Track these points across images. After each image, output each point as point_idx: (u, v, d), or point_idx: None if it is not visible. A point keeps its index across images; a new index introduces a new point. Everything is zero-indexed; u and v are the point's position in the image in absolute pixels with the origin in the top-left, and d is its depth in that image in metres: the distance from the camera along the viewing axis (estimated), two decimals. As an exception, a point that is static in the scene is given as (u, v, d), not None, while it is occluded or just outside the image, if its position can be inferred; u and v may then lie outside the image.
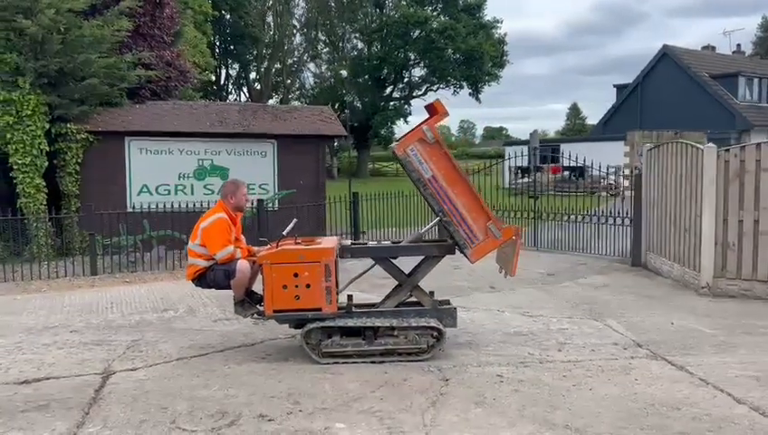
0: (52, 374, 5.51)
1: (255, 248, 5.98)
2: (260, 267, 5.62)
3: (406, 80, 50.75)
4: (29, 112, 10.71)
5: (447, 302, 6.29)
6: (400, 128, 49.52)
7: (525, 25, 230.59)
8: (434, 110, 5.80)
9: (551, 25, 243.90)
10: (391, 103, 49.56)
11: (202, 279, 5.79)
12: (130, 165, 12.01)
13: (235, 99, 48.13)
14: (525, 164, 21.85)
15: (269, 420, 4.45)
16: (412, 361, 5.67)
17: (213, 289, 6.02)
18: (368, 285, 8.56)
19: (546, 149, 35.05)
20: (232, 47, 45.28)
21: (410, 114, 50.29)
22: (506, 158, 25.16)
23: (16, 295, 8.82)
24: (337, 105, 52.30)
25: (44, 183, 11.18)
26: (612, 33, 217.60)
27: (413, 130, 5.90)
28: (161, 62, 13.72)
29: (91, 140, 11.59)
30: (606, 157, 22.69)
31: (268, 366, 5.64)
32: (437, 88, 49.25)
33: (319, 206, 12.45)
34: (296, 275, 5.56)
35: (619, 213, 10.97)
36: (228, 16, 42.94)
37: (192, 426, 4.39)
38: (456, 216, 5.73)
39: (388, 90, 50.09)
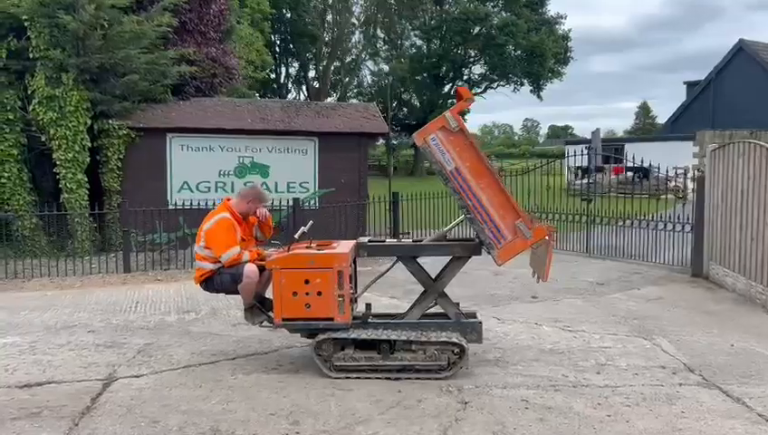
0: (55, 378, 5.31)
1: (268, 251, 5.62)
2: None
3: (465, 77, 49.91)
4: (71, 108, 10.76)
5: (474, 314, 5.74)
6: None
7: (595, 21, 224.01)
8: (459, 96, 5.31)
9: (622, 21, 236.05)
10: (449, 101, 48.79)
11: (209, 283, 5.48)
12: (171, 161, 11.93)
13: (295, 97, 48.43)
14: (586, 164, 20.92)
15: (260, 443, 4.08)
16: (431, 379, 5.19)
17: (223, 294, 5.70)
18: (401, 292, 8.15)
19: (609, 149, 33.73)
20: (291, 46, 45.52)
21: (468, 111, 49.40)
22: (566, 157, 24.19)
23: (48, 291, 8.81)
24: (395, 103, 52.11)
25: (86, 179, 11.22)
26: (687, 29, 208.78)
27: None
28: (207, 58, 13.63)
29: (133, 136, 11.57)
30: (675, 158, 21.45)
31: (276, 378, 5.27)
32: (497, 85, 48.22)
33: (359, 205, 12.07)
34: (307, 281, 5.17)
35: (679, 218, 10.11)
36: (288, 15, 43.15)
37: (178, 445, 4.07)
38: (482, 212, 5.21)
39: (447, 87, 49.35)
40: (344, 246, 5.46)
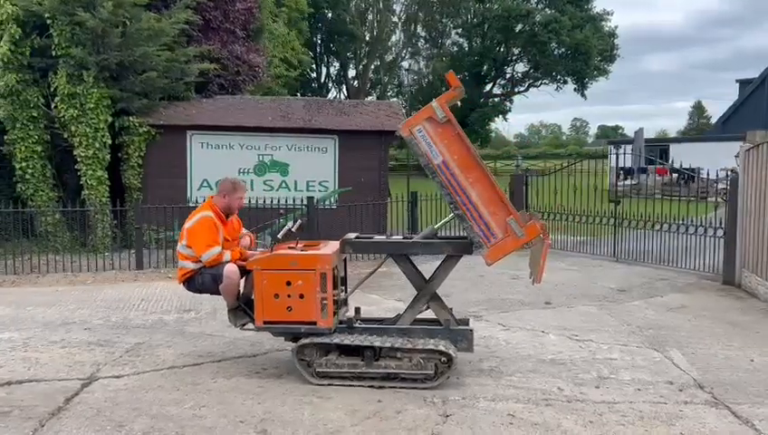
0: (37, 376, 5.25)
1: (251, 251, 5.44)
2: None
3: (508, 76, 49.17)
4: (92, 106, 10.85)
5: (466, 321, 5.44)
6: (498, 125, 48.15)
7: (650, 19, 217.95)
8: (448, 84, 5.03)
9: (679, 18, 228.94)
10: (490, 100, 48.14)
11: (191, 283, 5.33)
12: (192, 159, 11.93)
13: (335, 96, 48.52)
14: (629, 164, 20.17)
15: (219, 453, 3.89)
16: (417, 388, 4.92)
17: (206, 294, 5.54)
18: (408, 294, 7.80)
19: (654, 150, 32.59)
20: (332, 45, 45.59)
21: (509, 111, 48.69)
22: (608, 157, 23.41)
23: (60, 287, 8.87)
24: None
25: (107, 175, 11.31)
26: (748, 26, 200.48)
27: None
28: (231, 56, 13.62)
29: (154, 133, 11.61)
30: (725, 159, 20.53)
31: (257, 383, 5.09)
32: (540, 84, 47.29)
33: (379, 205, 11.83)
34: (289, 283, 4.98)
35: (710, 223, 9.54)
36: (330, 15, 43.19)
37: (135, 452, 3.91)
38: (471, 209, 4.92)
39: (488, 86, 48.69)
40: (330, 247, 5.24)
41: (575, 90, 45.70)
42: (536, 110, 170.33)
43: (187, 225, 5.27)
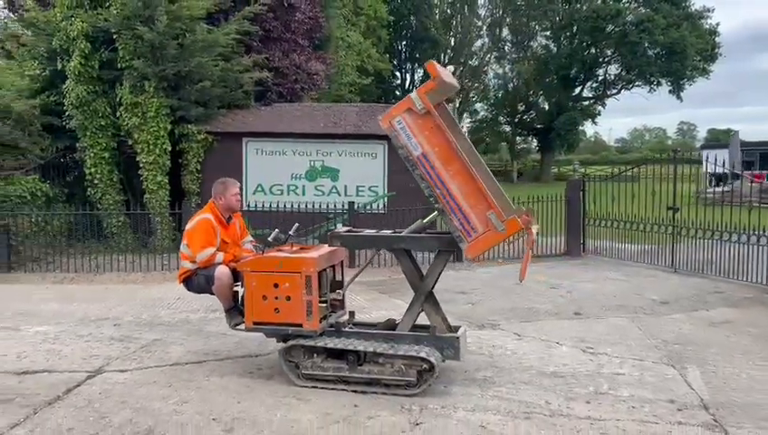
0: (51, 367, 5.60)
1: (246, 254, 5.56)
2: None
3: (601, 78, 47.41)
4: (152, 114, 11.47)
5: (457, 328, 5.29)
6: (597, 129, 46.50)
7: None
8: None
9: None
10: (578, 103, 46.60)
11: (190, 283, 5.53)
12: (247, 165, 12.35)
13: (419, 102, 48.47)
14: (721, 169, 18.84)
15: (176, 448, 4.00)
16: (398, 395, 4.85)
17: (205, 295, 5.71)
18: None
19: (753, 154, 30.37)
20: (415, 52, 45.72)
21: (599, 114, 46.91)
22: (704, 162, 21.97)
23: (111, 285, 9.42)
24: (522, 106, 50.68)
25: (167, 180, 11.90)
26: None
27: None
28: (290, 65, 13.99)
29: (211, 140, 12.11)
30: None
31: (246, 383, 5.19)
32: (632, 86, 45.28)
33: (429, 210, 11.71)
34: (276, 285, 5.05)
35: (773, 231, 8.77)
36: (414, 22, 43.32)
37: (101, 442, 4.09)
38: (451, 202, 4.83)
39: (578, 89, 47.15)
40: (319, 251, 5.27)
41: (670, 91, 43.39)
42: (640, 113, 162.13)
43: (188, 226, 5.48)
